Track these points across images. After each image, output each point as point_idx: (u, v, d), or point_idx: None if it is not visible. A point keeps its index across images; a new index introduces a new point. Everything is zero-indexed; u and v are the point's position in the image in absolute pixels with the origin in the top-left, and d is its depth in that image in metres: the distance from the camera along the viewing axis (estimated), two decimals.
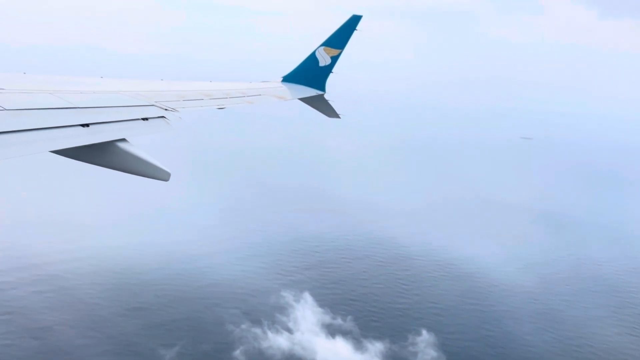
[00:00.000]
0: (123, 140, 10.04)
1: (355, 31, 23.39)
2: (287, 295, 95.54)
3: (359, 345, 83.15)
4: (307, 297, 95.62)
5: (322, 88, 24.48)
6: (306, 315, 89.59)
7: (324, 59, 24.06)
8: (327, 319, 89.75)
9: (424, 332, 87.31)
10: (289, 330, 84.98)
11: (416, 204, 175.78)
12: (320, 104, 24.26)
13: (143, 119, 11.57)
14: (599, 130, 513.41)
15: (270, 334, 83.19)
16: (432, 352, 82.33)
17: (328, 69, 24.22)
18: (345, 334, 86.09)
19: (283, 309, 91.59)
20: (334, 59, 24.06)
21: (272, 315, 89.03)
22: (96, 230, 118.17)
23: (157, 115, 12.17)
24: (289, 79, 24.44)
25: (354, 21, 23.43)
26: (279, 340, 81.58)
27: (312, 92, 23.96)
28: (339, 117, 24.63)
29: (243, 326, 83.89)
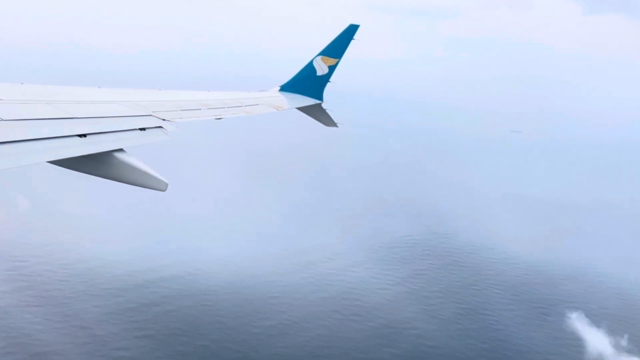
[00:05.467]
0: (120, 150, 9.99)
1: (352, 40, 23.29)
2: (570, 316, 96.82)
3: None
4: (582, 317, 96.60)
5: (320, 97, 24.34)
6: (598, 338, 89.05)
7: (321, 69, 23.96)
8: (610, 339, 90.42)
9: None
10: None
11: (464, 204, 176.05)
12: (318, 113, 24.26)
13: (140, 129, 11.54)
14: (587, 125, 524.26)
15: None
16: None
17: (325, 78, 24.12)
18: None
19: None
20: (332, 69, 23.98)
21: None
22: (170, 244, 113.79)
23: (154, 125, 12.13)
24: (286, 88, 24.26)
25: (351, 30, 23.29)
26: None
27: (309, 101, 23.84)
28: (336, 126, 24.66)
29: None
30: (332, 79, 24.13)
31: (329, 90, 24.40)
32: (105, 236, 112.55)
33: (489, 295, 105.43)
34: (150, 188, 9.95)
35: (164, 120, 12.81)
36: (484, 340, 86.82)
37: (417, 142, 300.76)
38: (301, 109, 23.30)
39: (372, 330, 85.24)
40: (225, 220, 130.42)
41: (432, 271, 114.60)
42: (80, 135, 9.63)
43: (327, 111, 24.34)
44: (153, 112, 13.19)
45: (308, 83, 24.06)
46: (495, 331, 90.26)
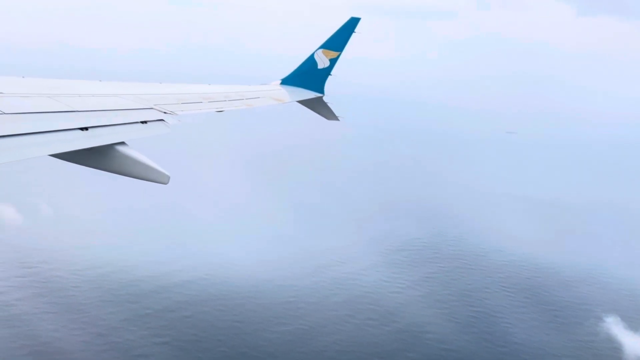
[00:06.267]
0: (122, 143, 10.06)
1: (353, 33, 23.40)
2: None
3: None
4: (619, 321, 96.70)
5: (321, 90, 24.35)
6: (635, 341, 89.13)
7: (322, 62, 24.00)
8: None
9: None
10: None
11: (470, 206, 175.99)
12: (319, 107, 24.27)
13: (142, 122, 11.59)
14: (585, 125, 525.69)
15: None
16: None
17: (327, 71, 24.15)
18: None
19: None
20: (333, 62, 24.01)
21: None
22: (179, 248, 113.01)
23: (156, 119, 12.19)
24: (287, 81, 24.34)
25: (352, 23, 23.37)
26: None
27: (310, 94, 23.87)
28: (337, 120, 24.64)
29: None
30: (332, 72, 24.11)
31: (328, 91, 24.43)
32: (114, 241, 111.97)
33: (501, 298, 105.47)
34: (151, 181, 9.95)
35: (165, 113, 12.83)
36: (501, 344, 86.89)
37: (418, 143, 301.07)
38: (302, 102, 23.27)
39: (389, 334, 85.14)
40: (232, 222, 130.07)
41: (443, 274, 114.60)
42: (81, 129, 9.64)
43: (329, 105, 24.34)
44: (154, 105, 13.19)
45: (309, 76, 24.03)
46: (512, 334, 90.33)
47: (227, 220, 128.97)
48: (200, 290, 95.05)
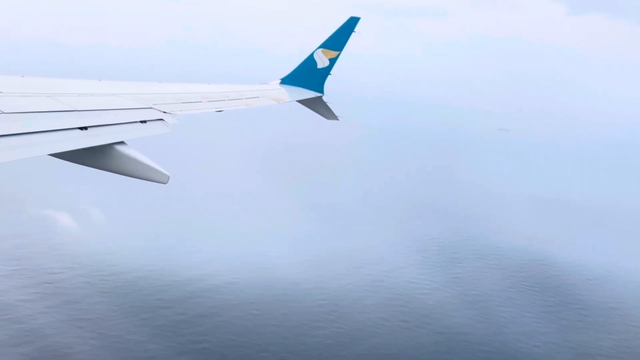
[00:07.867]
0: (122, 143, 10.12)
1: (353, 33, 23.41)
2: None
3: None
4: None
5: (321, 90, 24.37)
6: None
7: (322, 61, 24.02)
8: None
9: None
10: None
11: (480, 205, 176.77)
12: (318, 106, 24.31)
13: (141, 122, 11.67)
14: (583, 124, 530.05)
15: None
16: None
17: (326, 70, 24.17)
18: None
19: None
20: (332, 61, 24.03)
21: None
22: (203, 252, 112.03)
23: (155, 118, 12.27)
24: (287, 80, 24.33)
25: (352, 23, 23.41)
26: None
27: (310, 94, 23.88)
28: (337, 119, 24.88)
29: None
30: (332, 71, 24.00)
31: (326, 89, 24.23)
32: (136, 245, 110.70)
33: (527, 297, 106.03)
34: (151, 180, 9.96)
35: (164, 112, 12.86)
36: (536, 344, 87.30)
37: (420, 142, 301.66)
38: (302, 101, 23.32)
39: (426, 337, 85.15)
40: (252, 225, 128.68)
41: (467, 275, 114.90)
42: (81, 128, 9.68)
43: (328, 104, 24.28)
44: (154, 104, 13.22)
45: (309, 76, 23.90)
46: (544, 334, 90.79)
47: (249, 223, 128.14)
48: (230, 294, 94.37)
